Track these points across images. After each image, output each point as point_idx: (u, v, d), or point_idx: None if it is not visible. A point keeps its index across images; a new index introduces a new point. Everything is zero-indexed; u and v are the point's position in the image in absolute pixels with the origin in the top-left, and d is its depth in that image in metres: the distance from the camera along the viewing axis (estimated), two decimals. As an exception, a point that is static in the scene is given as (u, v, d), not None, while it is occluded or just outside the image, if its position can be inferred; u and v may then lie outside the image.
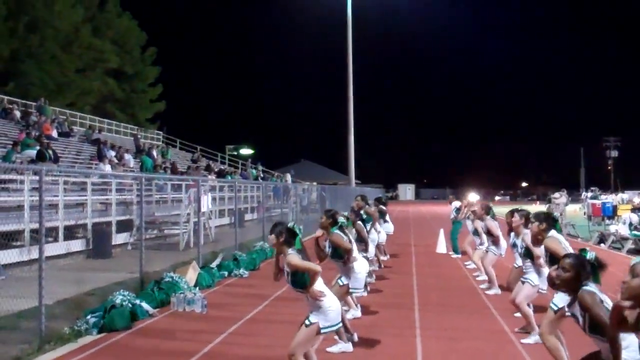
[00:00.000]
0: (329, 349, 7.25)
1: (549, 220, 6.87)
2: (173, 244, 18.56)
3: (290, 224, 5.99)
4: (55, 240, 15.09)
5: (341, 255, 7.87)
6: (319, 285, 5.66)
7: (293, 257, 5.67)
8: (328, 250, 7.85)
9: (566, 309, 4.68)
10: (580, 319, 4.41)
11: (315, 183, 40.52)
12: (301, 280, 5.66)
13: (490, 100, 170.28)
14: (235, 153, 56.03)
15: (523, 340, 7.95)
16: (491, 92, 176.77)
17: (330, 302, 5.70)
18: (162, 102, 58.69)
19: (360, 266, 8.08)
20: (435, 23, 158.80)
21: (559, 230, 6.72)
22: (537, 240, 7.09)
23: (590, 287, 4.39)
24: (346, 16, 29.40)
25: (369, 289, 11.46)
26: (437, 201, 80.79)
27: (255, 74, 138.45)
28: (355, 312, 9.22)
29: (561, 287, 4.63)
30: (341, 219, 8.10)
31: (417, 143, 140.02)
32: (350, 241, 8.00)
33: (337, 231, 7.88)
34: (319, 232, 7.63)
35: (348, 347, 7.52)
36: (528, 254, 8.10)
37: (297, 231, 5.88)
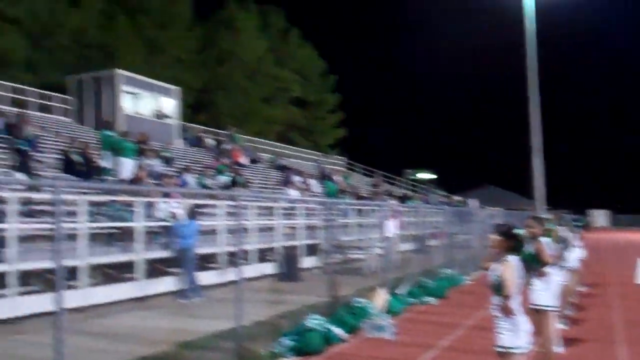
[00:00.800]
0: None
1: None
2: (357, 269, 18.60)
3: (518, 231, 5.77)
4: (248, 262, 15.67)
5: (537, 264, 7.52)
6: (514, 303, 5.37)
7: (510, 267, 5.40)
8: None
9: None
10: None
11: (500, 209, 39.14)
12: (500, 287, 5.41)
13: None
14: (414, 177, 55.86)
15: None
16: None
17: (521, 321, 5.41)
18: (342, 128, 59.89)
19: (555, 279, 7.73)
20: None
21: None
22: None
23: None
24: (527, 30, 28.25)
25: (568, 321, 10.71)
26: (632, 228, 74.45)
27: (434, 98, 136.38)
28: (558, 348, 8.56)
29: None
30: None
31: (612, 165, 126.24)
32: None
33: (544, 240, 7.70)
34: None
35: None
36: None
37: (523, 240, 5.81)
